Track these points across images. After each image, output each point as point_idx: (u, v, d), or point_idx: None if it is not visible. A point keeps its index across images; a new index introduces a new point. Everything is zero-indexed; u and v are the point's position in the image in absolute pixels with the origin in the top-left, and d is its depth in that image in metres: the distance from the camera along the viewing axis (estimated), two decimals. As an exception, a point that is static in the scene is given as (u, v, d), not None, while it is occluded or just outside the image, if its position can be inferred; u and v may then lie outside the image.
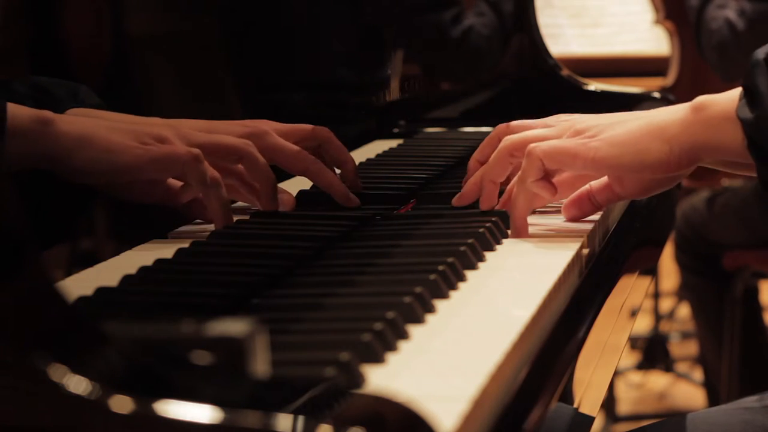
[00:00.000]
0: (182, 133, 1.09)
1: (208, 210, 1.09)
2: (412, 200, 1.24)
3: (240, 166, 1.13)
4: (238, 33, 1.43)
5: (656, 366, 3.35)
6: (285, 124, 1.21)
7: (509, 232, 1.11)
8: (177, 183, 1.11)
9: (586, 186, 1.17)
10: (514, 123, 1.18)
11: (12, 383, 0.60)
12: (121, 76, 1.20)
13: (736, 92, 1.04)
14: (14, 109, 0.99)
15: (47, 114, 1.01)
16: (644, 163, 1.07)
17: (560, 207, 1.25)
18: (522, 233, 1.10)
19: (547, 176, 1.10)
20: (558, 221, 1.18)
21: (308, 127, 1.22)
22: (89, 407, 0.58)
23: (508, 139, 1.14)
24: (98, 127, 1.04)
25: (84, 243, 1.07)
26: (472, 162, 1.20)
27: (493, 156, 1.14)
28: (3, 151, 0.97)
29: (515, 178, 1.13)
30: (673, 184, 1.14)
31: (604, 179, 1.15)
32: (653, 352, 3.34)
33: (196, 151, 1.06)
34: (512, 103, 1.99)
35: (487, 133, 1.22)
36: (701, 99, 1.06)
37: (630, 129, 1.08)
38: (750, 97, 1.02)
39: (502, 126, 1.17)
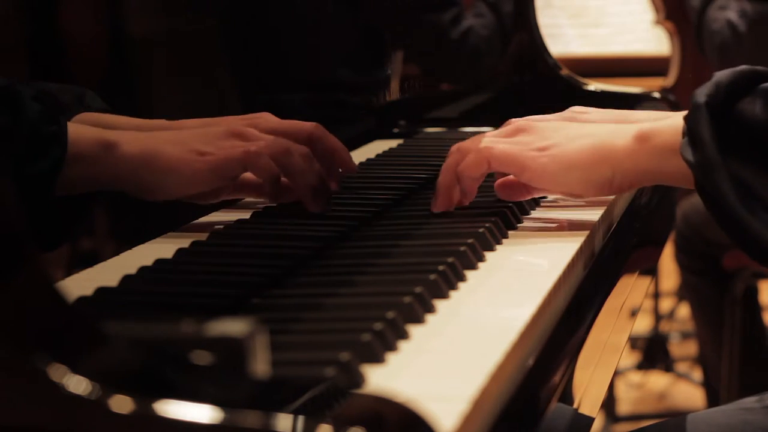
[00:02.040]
0: (251, 123, 1.11)
1: (297, 194, 1.11)
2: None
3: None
4: (238, 33, 1.43)
5: (656, 366, 3.34)
6: (285, 120, 1.20)
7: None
8: (250, 176, 1.13)
9: None
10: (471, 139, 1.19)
11: (12, 383, 0.60)
12: (121, 76, 1.20)
13: (679, 125, 1.05)
14: (77, 134, 1.01)
15: (110, 137, 1.03)
16: (587, 184, 1.11)
17: (560, 203, 1.25)
18: (441, 207, 1.13)
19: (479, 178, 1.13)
20: (559, 217, 1.18)
21: (300, 124, 1.22)
22: (89, 407, 0.58)
23: (459, 144, 1.15)
24: (159, 142, 1.06)
25: (84, 243, 1.07)
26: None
27: (446, 162, 1.15)
28: (60, 172, 0.99)
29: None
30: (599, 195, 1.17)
31: None
32: (653, 352, 3.34)
33: (253, 147, 1.08)
34: (512, 103, 1.99)
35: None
36: (645, 128, 1.09)
37: (578, 149, 1.10)
38: (692, 140, 1.03)
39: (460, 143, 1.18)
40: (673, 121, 1.07)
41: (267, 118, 1.17)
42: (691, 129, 1.04)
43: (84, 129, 1.03)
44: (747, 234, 1.01)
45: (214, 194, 1.14)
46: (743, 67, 1.06)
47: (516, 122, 1.16)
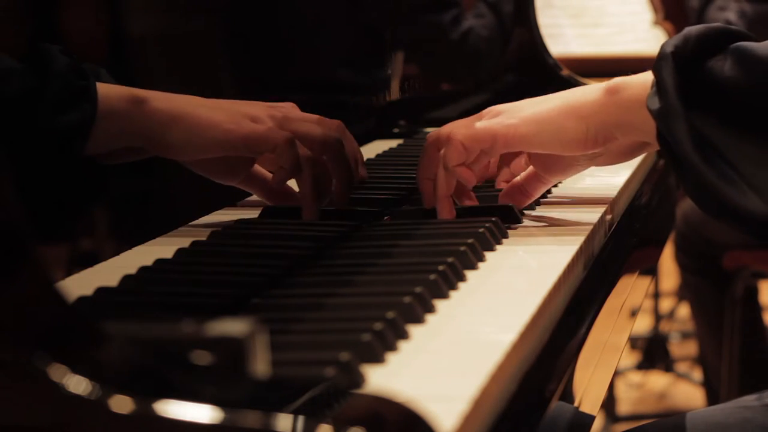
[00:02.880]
0: (277, 116, 1.11)
1: (300, 193, 1.11)
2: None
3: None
4: (239, 33, 1.43)
5: (656, 366, 3.35)
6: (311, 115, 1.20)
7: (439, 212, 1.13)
8: (262, 171, 1.14)
9: (516, 178, 1.20)
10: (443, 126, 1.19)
11: (12, 383, 0.60)
12: (121, 76, 1.20)
13: (649, 77, 1.06)
14: (107, 90, 1.01)
15: (141, 93, 1.03)
16: (562, 140, 1.11)
17: (560, 201, 1.26)
18: (445, 214, 1.13)
19: (472, 163, 1.13)
20: (559, 217, 1.18)
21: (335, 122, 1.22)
22: (89, 407, 0.58)
23: (432, 134, 1.16)
24: (191, 104, 1.06)
25: (84, 243, 1.07)
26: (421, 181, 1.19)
27: (421, 154, 1.16)
28: (92, 126, 0.98)
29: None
30: (591, 163, 1.18)
31: (530, 170, 1.19)
32: (653, 352, 3.34)
33: (290, 134, 1.08)
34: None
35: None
36: (616, 81, 1.09)
37: (547, 108, 1.11)
38: (657, 89, 1.04)
39: (431, 132, 1.19)
40: (644, 75, 1.08)
41: (290, 109, 1.17)
42: (656, 78, 1.04)
43: (112, 86, 1.02)
44: (700, 183, 1.01)
45: (232, 172, 1.14)
46: (716, 24, 1.07)
47: (489, 108, 1.17)
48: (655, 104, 1.03)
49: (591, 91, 1.11)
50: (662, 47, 1.05)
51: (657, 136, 1.05)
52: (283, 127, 1.10)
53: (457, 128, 1.13)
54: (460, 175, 1.12)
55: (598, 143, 1.11)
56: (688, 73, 1.03)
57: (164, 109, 1.04)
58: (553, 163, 1.17)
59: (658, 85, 1.04)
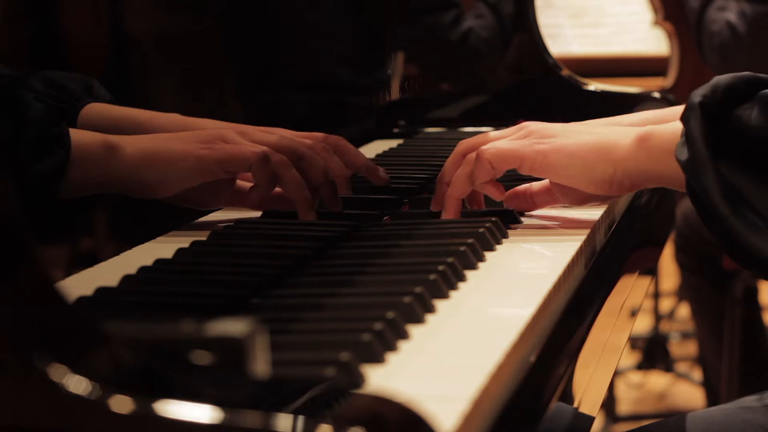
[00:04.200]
0: (246, 132, 1.11)
1: (295, 206, 1.11)
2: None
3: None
4: (239, 33, 1.43)
5: (656, 366, 3.34)
6: (298, 132, 1.20)
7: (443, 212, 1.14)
8: (246, 185, 1.14)
9: (527, 185, 1.20)
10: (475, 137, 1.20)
11: (12, 383, 0.60)
12: (121, 76, 1.20)
13: (679, 127, 1.06)
14: (80, 137, 1.01)
15: (112, 139, 1.04)
16: (588, 178, 1.11)
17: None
18: (449, 215, 1.14)
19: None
20: (559, 217, 1.18)
21: (320, 135, 1.22)
22: (89, 407, 0.58)
23: (462, 143, 1.17)
24: (160, 140, 1.07)
25: (84, 243, 1.07)
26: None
27: (448, 160, 1.17)
28: (65, 172, 0.99)
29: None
30: (610, 201, 1.19)
31: (545, 184, 1.18)
32: (653, 352, 3.34)
33: (264, 149, 1.08)
34: (512, 103, 1.99)
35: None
36: (648, 129, 1.09)
37: (579, 142, 1.11)
38: (686, 139, 1.04)
39: (463, 141, 1.19)
40: (675, 124, 1.07)
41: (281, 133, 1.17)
42: (684, 129, 1.04)
43: (85, 132, 1.03)
44: (730, 234, 1.01)
45: (215, 195, 1.14)
46: (745, 72, 1.06)
47: (523, 124, 1.17)
48: (684, 155, 1.03)
49: (624, 135, 1.10)
50: (690, 97, 1.04)
51: (686, 186, 1.04)
52: (255, 140, 1.11)
53: (487, 147, 1.13)
54: (489, 192, 1.14)
55: (624, 189, 1.11)
56: (716, 122, 1.03)
57: (136, 152, 1.04)
58: (573, 193, 1.16)
59: (687, 135, 1.03)
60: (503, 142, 1.14)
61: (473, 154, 1.14)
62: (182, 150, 1.06)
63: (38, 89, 1.05)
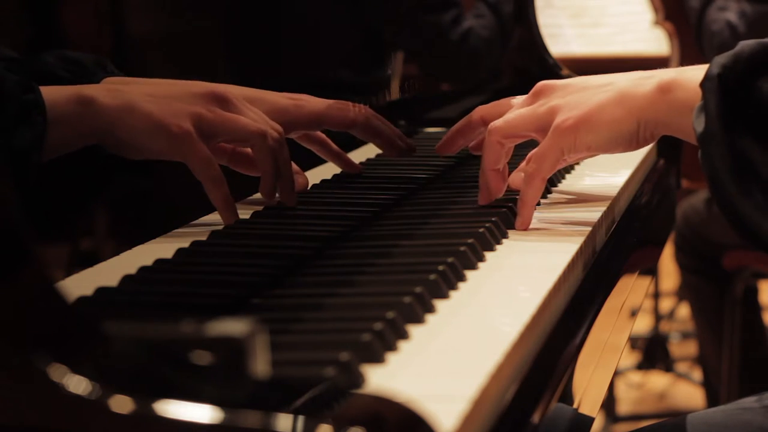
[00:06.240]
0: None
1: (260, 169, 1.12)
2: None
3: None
4: (238, 33, 1.43)
5: (656, 366, 3.35)
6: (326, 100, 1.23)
7: (516, 224, 1.13)
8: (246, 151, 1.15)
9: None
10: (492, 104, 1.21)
11: (12, 383, 0.60)
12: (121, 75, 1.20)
13: (699, 80, 1.04)
14: (53, 94, 0.99)
15: (87, 92, 1.01)
16: (616, 143, 1.10)
17: (560, 201, 1.26)
18: (485, 201, 1.15)
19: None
20: (559, 217, 1.18)
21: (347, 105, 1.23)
22: (89, 407, 0.58)
23: (479, 109, 1.20)
24: (138, 95, 1.04)
25: (84, 243, 1.07)
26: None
27: (485, 147, 1.16)
28: (45, 138, 0.97)
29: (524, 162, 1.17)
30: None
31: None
32: (653, 352, 3.35)
33: (254, 129, 1.09)
34: (512, 103, 1.99)
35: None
36: (669, 79, 1.08)
37: (602, 105, 1.10)
38: (704, 109, 1.02)
39: (480, 108, 1.19)
40: (694, 75, 1.06)
41: (309, 99, 1.18)
42: (702, 98, 1.03)
43: (58, 88, 1.00)
44: (736, 213, 1.00)
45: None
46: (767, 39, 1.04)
47: (538, 85, 1.17)
48: (700, 126, 1.02)
49: (643, 82, 1.09)
50: (711, 66, 1.03)
51: (700, 156, 1.03)
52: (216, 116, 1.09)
53: (499, 122, 1.15)
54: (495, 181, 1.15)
55: (647, 140, 1.11)
56: (735, 93, 1.01)
57: (111, 105, 1.02)
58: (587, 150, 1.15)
59: (704, 107, 1.02)
60: (521, 112, 1.14)
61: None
62: (158, 117, 1.03)
63: (53, 64, 1.04)
